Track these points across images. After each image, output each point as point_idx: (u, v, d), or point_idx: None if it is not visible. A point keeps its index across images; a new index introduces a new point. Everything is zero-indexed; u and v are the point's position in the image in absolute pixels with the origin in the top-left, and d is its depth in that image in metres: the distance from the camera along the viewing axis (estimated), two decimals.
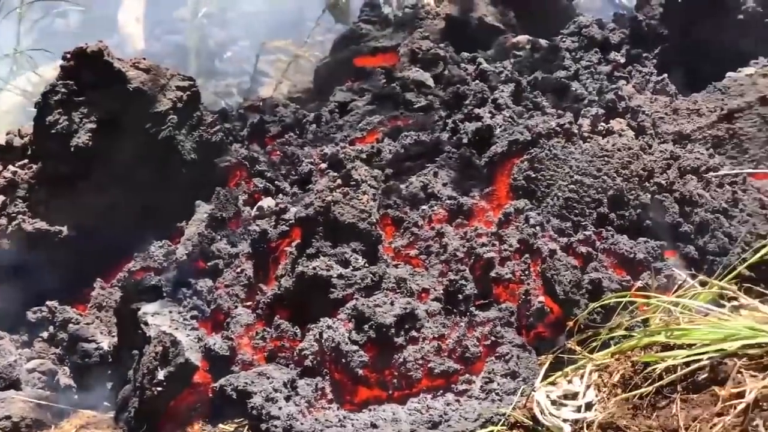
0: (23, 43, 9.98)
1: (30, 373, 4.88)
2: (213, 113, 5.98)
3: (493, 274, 4.36)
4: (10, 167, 5.52)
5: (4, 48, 9.80)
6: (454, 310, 4.22)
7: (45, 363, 4.95)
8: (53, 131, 5.31)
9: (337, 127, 5.90)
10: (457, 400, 3.91)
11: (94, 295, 5.28)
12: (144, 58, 5.57)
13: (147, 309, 4.47)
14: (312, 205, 4.44)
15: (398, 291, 4.25)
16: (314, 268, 4.26)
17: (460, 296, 4.24)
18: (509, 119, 5.35)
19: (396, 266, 4.44)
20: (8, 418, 4.52)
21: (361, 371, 3.95)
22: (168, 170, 5.48)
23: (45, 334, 5.14)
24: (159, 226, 5.38)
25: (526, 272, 4.38)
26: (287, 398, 3.91)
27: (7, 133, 5.76)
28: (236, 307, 4.51)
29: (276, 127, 6.05)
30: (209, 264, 4.75)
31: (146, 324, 4.36)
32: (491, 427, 3.65)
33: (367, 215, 4.43)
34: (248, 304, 4.53)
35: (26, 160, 5.55)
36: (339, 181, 4.67)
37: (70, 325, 5.09)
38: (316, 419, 3.81)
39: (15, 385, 4.77)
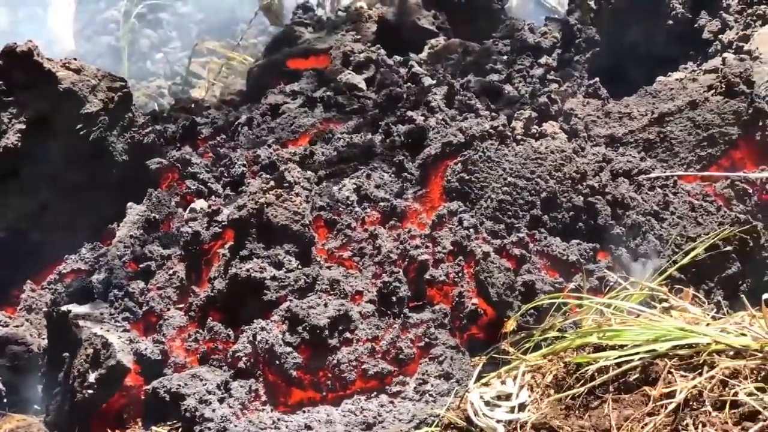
0: None
1: None
2: (145, 114, 5.94)
3: (426, 276, 4.37)
4: None
5: None
6: (388, 312, 4.23)
7: None
8: None
9: (269, 129, 5.87)
10: (391, 402, 3.93)
11: (24, 297, 5.20)
12: (75, 59, 5.51)
13: (78, 311, 4.42)
14: (245, 207, 4.43)
15: (332, 293, 4.25)
16: (247, 270, 4.25)
17: (394, 298, 4.25)
18: (442, 122, 5.37)
19: (329, 268, 4.44)
20: None
21: (294, 373, 3.95)
22: (99, 171, 5.42)
23: None
24: (89, 227, 5.33)
25: (460, 274, 4.40)
26: (221, 400, 3.89)
27: None
28: (168, 309, 4.48)
29: (208, 129, 6.00)
30: (141, 266, 4.71)
31: (77, 326, 4.32)
32: (425, 428, 3.66)
33: (301, 217, 4.42)
34: (180, 306, 4.50)
35: None
36: (272, 183, 4.66)
37: None
38: (250, 421, 3.80)
39: None
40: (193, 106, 6.68)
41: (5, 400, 4.80)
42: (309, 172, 4.96)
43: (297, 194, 4.54)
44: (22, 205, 5.31)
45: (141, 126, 5.62)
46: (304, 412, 3.90)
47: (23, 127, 5.23)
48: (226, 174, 5.43)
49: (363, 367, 4.00)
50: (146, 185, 5.29)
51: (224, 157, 5.59)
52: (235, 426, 3.76)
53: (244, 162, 5.39)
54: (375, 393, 3.99)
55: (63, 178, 5.33)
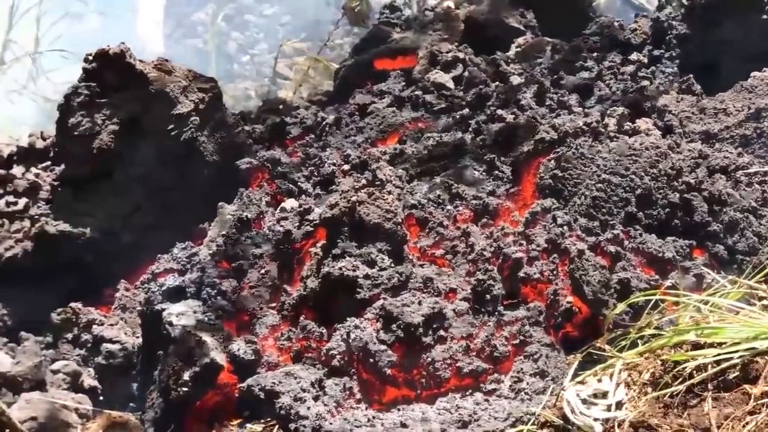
0: (41, 47, 10.00)
1: (55, 375, 4.86)
2: (234, 115, 5.97)
3: (521, 273, 4.33)
4: (33, 169, 5.53)
5: (23, 51, 9.84)
6: (482, 310, 4.20)
7: (69, 364, 4.93)
8: (76, 133, 5.30)
9: (357, 129, 5.87)
10: (486, 400, 3.89)
11: (118, 296, 5.27)
12: (166, 60, 5.56)
13: (172, 310, 4.45)
14: (337, 206, 4.42)
15: (425, 291, 4.23)
16: (340, 269, 4.24)
17: (488, 296, 4.22)
18: (533, 119, 5.33)
19: (422, 266, 4.42)
20: (34, 419, 4.50)
21: (389, 371, 3.93)
22: (190, 171, 5.47)
23: (69, 336, 5.12)
24: (181, 227, 5.36)
25: (554, 272, 4.36)
26: (315, 398, 3.88)
27: (30, 135, 5.76)
28: (261, 307, 4.49)
29: (297, 129, 6.02)
30: (233, 265, 4.72)
31: (171, 324, 4.35)
32: (521, 427, 3.63)
33: (393, 215, 4.40)
34: (273, 305, 4.50)
35: (49, 162, 5.55)
36: (364, 182, 4.65)
37: (95, 326, 5.08)
38: (344, 419, 3.78)
39: (40, 386, 4.76)
40: (281, 106, 6.71)
41: (102, 398, 4.86)
42: (400, 171, 4.94)
43: (389, 192, 4.53)
44: (115, 205, 5.38)
45: (231, 126, 5.66)
46: (398, 410, 3.88)
47: (116, 128, 5.29)
48: (315, 173, 5.44)
49: (457, 365, 3.97)
50: (237, 185, 5.31)
51: (313, 156, 5.60)
52: (330, 424, 3.75)
53: (334, 161, 5.39)
54: (470, 391, 3.95)
55: (155, 178, 5.39)
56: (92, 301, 5.29)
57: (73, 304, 5.18)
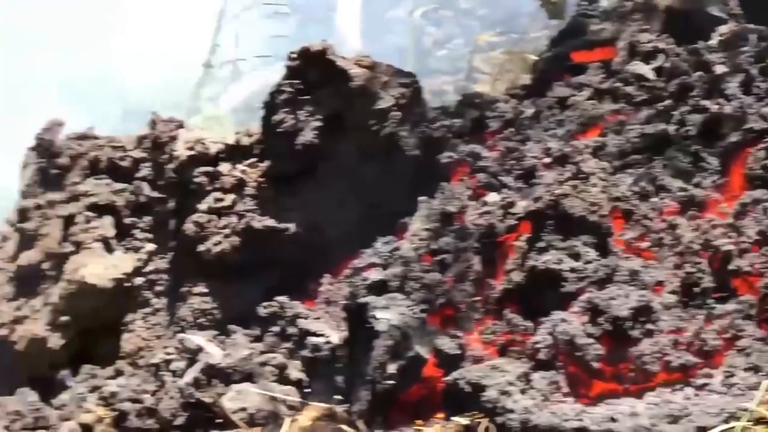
0: (242, 48, 10.27)
1: (263, 367, 4.97)
2: (434, 109, 5.98)
3: (731, 266, 4.22)
4: (239, 166, 5.65)
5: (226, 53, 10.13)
6: (691, 303, 4.10)
7: (277, 357, 5.04)
8: (280, 130, 5.41)
9: (557, 122, 5.81)
10: (697, 395, 3.81)
11: (322, 290, 5.35)
12: (367, 56, 5.61)
13: (376, 303, 4.49)
14: (541, 199, 4.40)
15: (632, 284, 4.17)
16: (545, 262, 4.22)
17: (697, 289, 4.13)
18: (739, 109, 5.17)
19: (627, 259, 4.35)
20: (244, 409, 4.63)
21: (596, 364, 3.88)
22: (391, 166, 5.50)
23: (276, 329, 5.23)
24: (383, 221, 5.40)
25: (766, 264, 4.21)
26: (522, 391, 3.87)
27: (236, 133, 5.90)
28: (465, 301, 4.49)
29: (496, 123, 5.98)
30: (437, 259, 4.74)
31: (375, 318, 4.38)
32: (735, 423, 3.52)
33: (598, 208, 4.36)
34: (477, 298, 4.51)
35: (254, 159, 5.66)
36: (568, 174, 4.60)
37: (300, 319, 5.17)
38: (552, 413, 3.76)
39: (249, 378, 4.89)
40: (479, 100, 6.68)
41: (308, 390, 4.94)
42: (604, 163, 4.87)
43: (593, 185, 4.47)
44: (319, 200, 5.46)
45: (431, 120, 5.68)
46: (606, 404, 3.84)
47: (319, 124, 5.37)
48: (516, 167, 5.40)
49: (666, 358, 3.90)
50: (438, 179, 5.33)
51: (513, 150, 5.56)
52: (538, 417, 3.73)
53: (535, 154, 5.35)
54: (679, 385, 3.88)
55: (357, 173, 5.44)
56: (297, 295, 5.38)
57: (279, 298, 5.29)
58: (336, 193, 5.45)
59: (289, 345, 5.17)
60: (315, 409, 4.67)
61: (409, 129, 5.55)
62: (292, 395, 4.82)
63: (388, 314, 4.38)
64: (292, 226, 5.44)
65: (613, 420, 3.68)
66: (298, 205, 5.48)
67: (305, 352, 5.05)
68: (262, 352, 5.09)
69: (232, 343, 5.18)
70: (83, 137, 6.32)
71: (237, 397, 4.77)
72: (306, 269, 5.44)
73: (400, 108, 5.50)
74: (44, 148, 6.37)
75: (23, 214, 6.17)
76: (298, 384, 4.97)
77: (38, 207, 6.12)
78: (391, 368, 4.16)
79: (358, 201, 5.46)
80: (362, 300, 4.59)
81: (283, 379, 4.97)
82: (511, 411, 3.76)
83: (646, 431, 3.62)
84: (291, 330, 5.18)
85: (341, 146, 5.42)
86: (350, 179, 5.45)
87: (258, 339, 5.26)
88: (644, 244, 4.46)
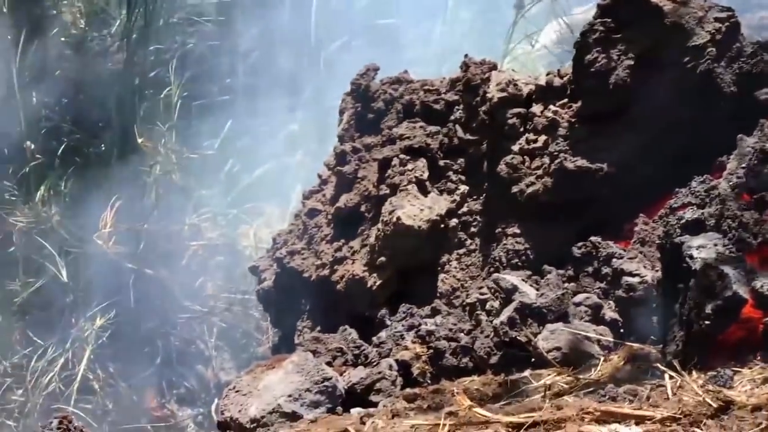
0: None
1: (577, 307, 5.01)
2: (752, 44, 5.78)
3: None
4: (551, 107, 5.68)
5: None
6: None
7: (591, 297, 5.06)
8: (592, 69, 5.40)
9: None
10: None
11: (637, 230, 5.31)
12: None
13: (691, 243, 4.42)
14: None
15: None
16: None
17: None
18: None
19: None
20: (558, 349, 4.69)
21: None
22: (707, 104, 5.38)
23: (590, 269, 5.25)
24: (699, 160, 5.29)
25: None
26: None
27: (547, 74, 5.93)
28: None
29: None
30: (755, 197, 4.61)
31: (691, 258, 4.32)
32: None
33: None
34: None
35: (566, 100, 5.67)
36: None
37: (614, 259, 5.16)
38: None
39: (563, 318, 4.94)
40: None
41: (621, 330, 4.94)
42: None
43: None
44: (632, 140, 5.43)
45: (749, 56, 5.49)
46: None
47: (631, 63, 5.33)
48: None
49: None
50: (756, 116, 5.15)
51: None
52: None
53: None
54: None
55: (671, 112, 5.36)
56: (611, 236, 5.38)
57: (592, 238, 5.30)
58: (649, 133, 5.40)
59: (603, 285, 5.18)
60: (629, 349, 4.67)
61: (725, 65, 5.40)
62: (605, 335, 4.83)
63: (704, 253, 4.30)
64: (604, 166, 5.43)
65: None
66: (610, 145, 5.47)
67: (619, 292, 5.04)
68: (576, 292, 5.13)
69: (545, 284, 5.24)
70: (397, 81, 6.52)
71: (551, 336, 4.82)
72: (620, 209, 5.42)
73: (715, 44, 5.36)
74: (360, 93, 6.62)
75: (341, 158, 6.45)
76: (612, 324, 4.98)
77: (355, 150, 6.38)
78: (708, 308, 4.09)
79: (672, 140, 5.38)
80: (677, 240, 4.52)
81: (597, 319, 4.99)
82: None
83: None
84: (605, 270, 5.19)
85: (654, 84, 5.34)
86: (664, 118, 5.37)
87: (572, 279, 5.30)
88: None
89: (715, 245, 4.36)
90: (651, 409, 3.51)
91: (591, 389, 4.06)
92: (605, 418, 3.41)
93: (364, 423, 4.17)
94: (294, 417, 4.66)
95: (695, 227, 4.61)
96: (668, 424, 3.28)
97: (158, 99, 10.57)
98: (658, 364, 4.32)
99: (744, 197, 4.63)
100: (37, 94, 10.37)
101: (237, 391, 4.98)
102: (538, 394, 4.27)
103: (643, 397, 3.79)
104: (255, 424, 4.68)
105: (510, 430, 3.56)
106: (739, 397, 3.37)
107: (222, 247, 10.19)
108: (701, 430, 3.19)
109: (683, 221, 4.69)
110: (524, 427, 3.56)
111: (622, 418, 3.41)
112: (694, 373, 3.96)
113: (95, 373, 9.31)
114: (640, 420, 3.39)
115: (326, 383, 4.82)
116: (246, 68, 11.05)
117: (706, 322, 4.09)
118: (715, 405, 3.32)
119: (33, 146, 9.92)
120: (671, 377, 3.98)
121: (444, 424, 3.76)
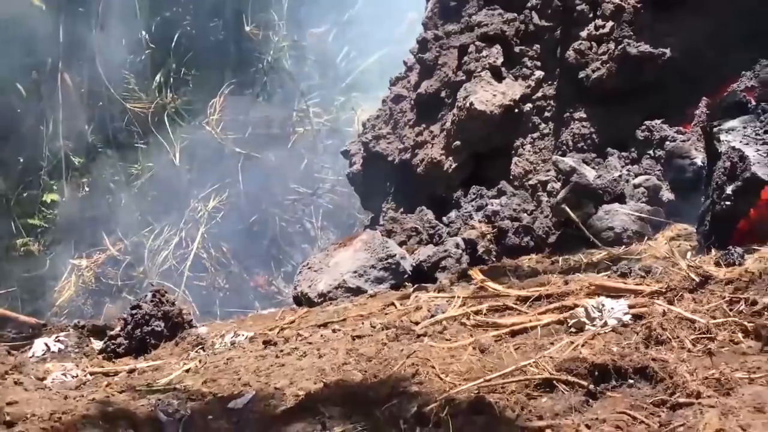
0: None
1: (636, 189, 5.16)
2: None
3: None
4: None
5: None
6: None
7: (650, 179, 5.21)
8: None
9: None
10: None
11: (698, 113, 5.38)
12: None
13: (724, 126, 4.48)
14: None
15: None
16: None
17: None
18: None
19: None
20: (611, 228, 4.87)
21: None
22: None
23: (651, 152, 5.37)
24: (765, 46, 5.29)
25: None
26: None
27: None
28: None
29: None
30: None
31: (718, 141, 4.39)
32: None
33: None
34: None
35: None
36: None
37: (667, 142, 5.27)
38: None
39: (620, 198, 5.10)
40: None
41: (675, 210, 5.05)
42: None
43: None
44: (697, 26, 5.47)
45: None
46: None
47: None
48: None
49: None
50: None
51: None
52: None
53: None
54: None
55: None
56: (675, 119, 5.47)
57: (650, 122, 5.41)
58: (714, 18, 5.42)
59: (661, 167, 5.29)
60: (674, 229, 4.80)
61: None
62: (657, 216, 4.96)
63: (731, 136, 4.37)
64: (667, 51, 5.49)
65: None
66: (674, 30, 5.53)
67: (672, 174, 5.16)
68: (637, 175, 5.27)
69: (605, 166, 5.38)
70: None
71: (605, 216, 4.99)
72: (682, 94, 5.49)
73: None
74: None
75: (424, 45, 6.64)
76: (669, 204, 5.11)
77: (437, 38, 6.55)
78: (728, 189, 4.17)
79: (738, 26, 5.38)
80: (715, 122, 4.59)
81: (654, 200, 5.14)
82: None
83: None
84: (659, 153, 5.31)
85: None
86: (730, 3, 5.38)
87: (634, 162, 5.43)
88: None
89: (744, 128, 4.41)
90: (646, 284, 3.66)
91: (614, 266, 4.17)
92: (599, 292, 3.60)
93: (408, 298, 4.43)
94: (358, 292, 5.00)
95: (736, 110, 4.65)
96: (655, 297, 3.44)
97: None
98: (692, 244, 4.46)
99: None
100: None
101: (309, 268, 5.33)
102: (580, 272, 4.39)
103: (656, 273, 3.91)
104: (322, 299, 5.01)
105: (517, 302, 3.78)
106: (717, 273, 3.49)
107: (328, 132, 10.44)
108: (679, 301, 3.35)
109: (725, 103, 4.75)
110: (530, 299, 3.78)
111: (615, 292, 3.59)
112: (713, 251, 4.05)
113: (208, 252, 9.75)
114: (634, 294, 3.56)
115: (390, 260, 5.10)
116: None
117: (727, 203, 4.18)
118: (697, 280, 3.45)
119: (147, 36, 10.30)
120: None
121: (458, 296, 4.00)
